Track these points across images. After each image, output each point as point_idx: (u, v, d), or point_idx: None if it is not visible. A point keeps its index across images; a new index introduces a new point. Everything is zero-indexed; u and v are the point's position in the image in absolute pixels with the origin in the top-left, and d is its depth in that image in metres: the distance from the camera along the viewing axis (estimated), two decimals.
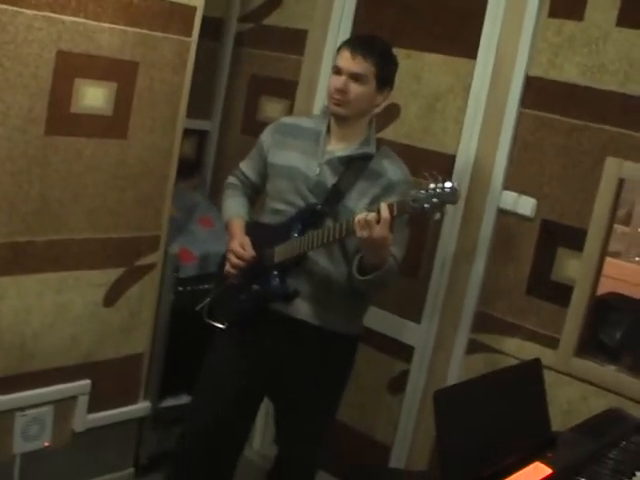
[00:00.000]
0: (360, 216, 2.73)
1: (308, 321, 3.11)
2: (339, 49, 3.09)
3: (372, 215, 2.71)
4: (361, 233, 2.74)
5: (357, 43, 3.05)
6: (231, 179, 3.44)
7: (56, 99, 3.24)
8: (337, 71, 3.03)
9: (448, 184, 2.63)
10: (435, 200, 2.62)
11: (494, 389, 2.54)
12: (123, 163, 3.53)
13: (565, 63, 3.34)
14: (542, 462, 2.55)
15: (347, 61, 3.00)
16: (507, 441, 2.53)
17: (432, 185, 2.63)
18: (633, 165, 3.19)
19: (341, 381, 3.32)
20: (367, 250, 2.83)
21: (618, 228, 4.90)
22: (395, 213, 2.70)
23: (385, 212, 2.70)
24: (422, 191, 2.64)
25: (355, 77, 2.99)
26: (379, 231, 2.71)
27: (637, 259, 5.22)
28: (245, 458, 3.56)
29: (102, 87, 3.38)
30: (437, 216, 2.70)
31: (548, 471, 2.52)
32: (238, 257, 3.12)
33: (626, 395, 3.25)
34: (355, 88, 3.00)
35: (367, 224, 2.71)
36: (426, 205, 2.63)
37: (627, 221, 5.25)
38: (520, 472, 2.46)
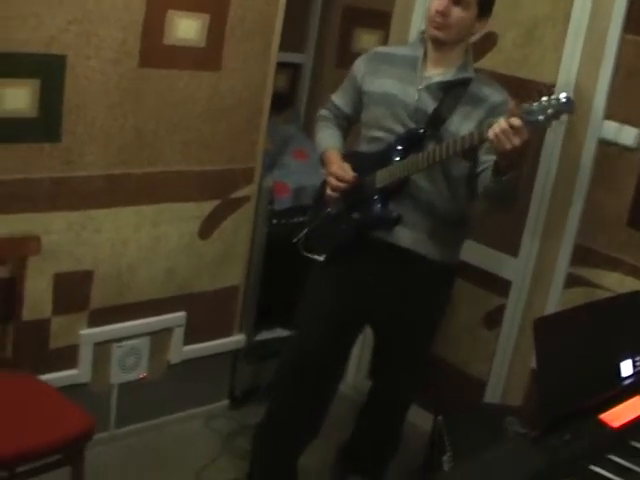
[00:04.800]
0: (500, 125, 2.59)
1: (411, 248, 3.07)
2: None
3: (515, 121, 2.57)
4: (502, 145, 2.60)
5: None
6: (323, 112, 3.39)
7: (149, 31, 3.23)
8: None
9: (563, 94, 2.56)
10: (550, 111, 2.55)
11: (595, 319, 2.49)
12: (216, 95, 3.52)
13: None
14: None
15: None
16: (608, 373, 2.48)
17: (545, 98, 2.57)
18: None
19: (440, 311, 3.33)
20: (508, 158, 2.68)
21: None
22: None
23: (516, 121, 2.56)
24: (535, 103, 2.57)
25: (457, 1, 2.91)
26: (516, 141, 2.57)
27: None
28: (339, 391, 3.56)
29: (194, 19, 3.36)
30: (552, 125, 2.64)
31: None
32: (339, 179, 3.09)
33: None
34: (457, 12, 2.91)
35: (515, 130, 2.56)
36: (540, 117, 2.55)
37: None
38: (622, 405, 2.41)
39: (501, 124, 2.59)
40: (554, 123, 2.64)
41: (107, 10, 3.09)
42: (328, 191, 3.14)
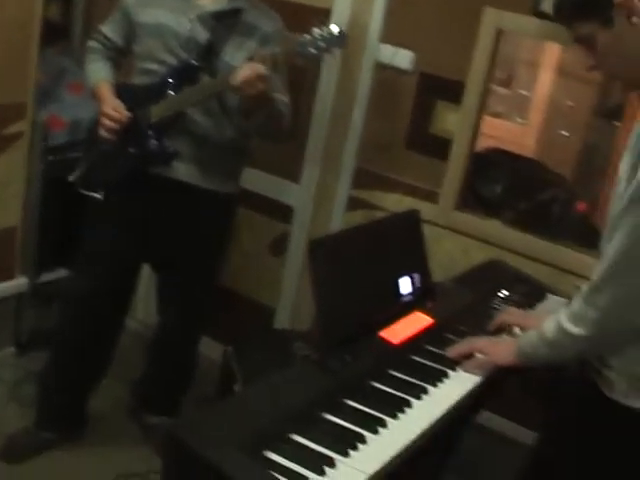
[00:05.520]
0: (241, 75, 2.67)
1: (189, 182, 3.05)
2: None
3: (259, 68, 2.66)
4: (247, 91, 2.70)
5: None
6: (92, 43, 3.25)
7: None
8: None
9: (335, 28, 2.63)
10: (322, 44, 2.62)
11: (372, 239, 2.51)
12: None
13: None
14: (422, 312, 2.56)
15: None
16: (386, 291, 2.52)
17: (317, 30, 2.63)
18: (511, 15, 3.15)
19: (224, 242, 3.33)
20: (249, 101, 2.79)
21: (500, 90, 4.92)
22: (281, 59, 2.72)
23: (260, 69, 2.66)
24: (308, 36, 2.62)
25: None
26: (260, 87, 2.69)
27: (518, 120, 5.24)
28: (129, 328, 3.51)
29: None
30: (325, 59, 2.86)
31: (429, 320, 2.53)
32: (112, 120, 2.99)
33: (506, 247, 3.30)
34: None
35: (260, 77, 2.67)
36: (312, 50, 2.63)
37: (508, 83, 5.26)
38: (401, 321, 2.46)
39: (245, 72, 2.67)
40: (327, 56, 2.69)
41: None
42: (101, 132, 3.04)
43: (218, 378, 3.30)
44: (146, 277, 3.89)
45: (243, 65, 2.71)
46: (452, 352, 2.37)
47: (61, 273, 3.99)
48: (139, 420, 3.63)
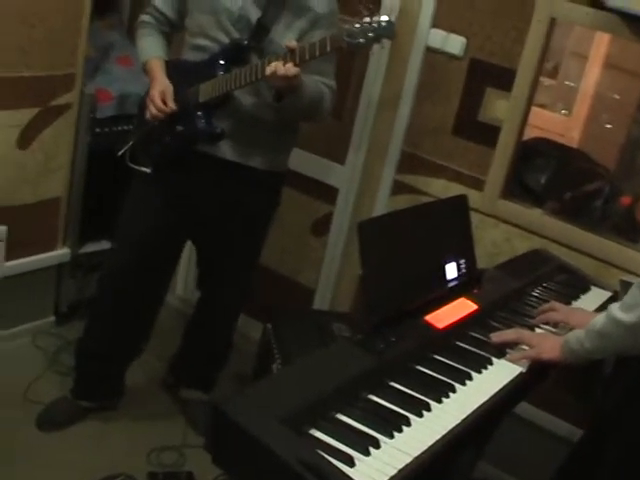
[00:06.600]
0: (273, 68, 2.66)
1: (235, 161, 3.04)
2: None
3: (282, 69, 2.65)
4: (276, 84, 2.73)
5: None
6: (145, 17, 3.23)
7: None
8: None
9: (384, 17, 2.56)
10: (371, 34, 2.54)
11: (420, 222, 2.51)
12: None
13: None
14: (468, 298, 2.56)
15: None
16: (433, 276, 2.52)
17: (367, 19, 2.56)
18: (565, 4, 3.11)
19: (267, 220, 3.32)
20: (280, 88, 2.81)
21: (545, 81, 4.88)
22: (329, 48, 2.61)
23: (292, 70, 2.64)
24: (357, 25, 2.56)
25: None
26: (293, 83, 2.69)
27: (563, 111, 5.20)
28: (167, 304, 3.52)
29: None
30: (373, 51, 2.73)
31: (473, 307, 2.52)
32: (159, 110, 3.00)
33: (550, 237, 3.28)
34: None
35: (280, 77, 2.67)
36: (361, 40, 2.55)
37: (554, 74, 5.22)
38: (446, 307, 2.46)
39: (279, 68, 2.65)
40: (376, 47, 2.65)
41: None
42: (148, 115, 3.05)
43: (256, 356, 3.31)
44: (185, 254, 3.89)
45: (275, 60, 2.69)
46: (497, 337, 2.36)
47: (104, 245, 4.01)
48: (175, 394, 3.65)
